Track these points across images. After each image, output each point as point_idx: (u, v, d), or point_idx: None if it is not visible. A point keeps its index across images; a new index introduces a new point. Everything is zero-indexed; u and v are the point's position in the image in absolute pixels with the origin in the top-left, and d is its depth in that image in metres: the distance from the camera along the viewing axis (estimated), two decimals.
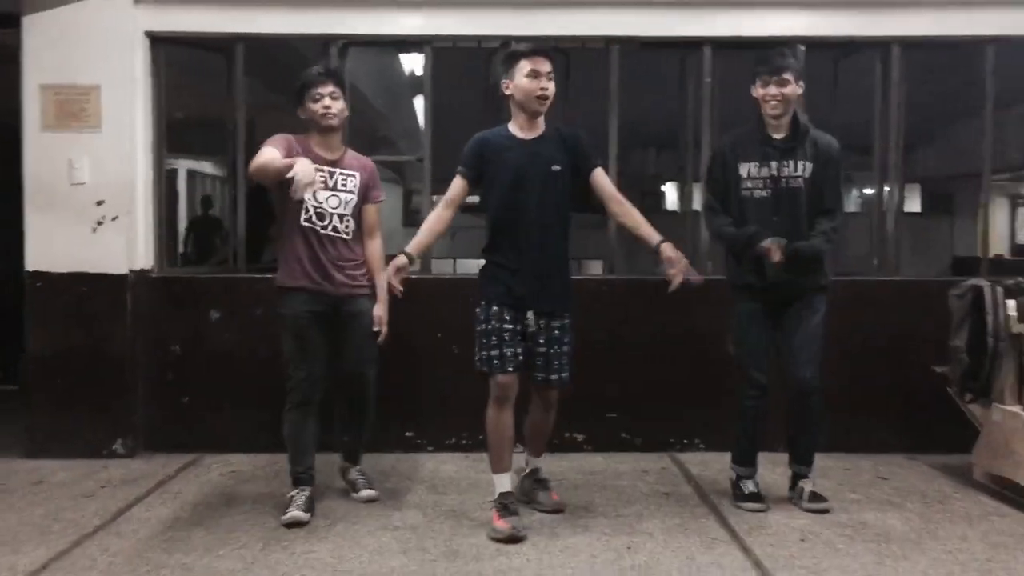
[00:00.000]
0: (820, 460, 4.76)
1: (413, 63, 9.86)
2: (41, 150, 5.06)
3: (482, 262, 4.16)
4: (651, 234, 4.03)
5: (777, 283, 4.18)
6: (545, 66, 3.99)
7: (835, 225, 4.22)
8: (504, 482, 4.04)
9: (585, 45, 5.58)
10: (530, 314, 4.00)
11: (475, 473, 4.78)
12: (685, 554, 3.70)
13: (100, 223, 5.07)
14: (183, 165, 12.68)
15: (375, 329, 4.26)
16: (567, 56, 5.72)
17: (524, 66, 3.98)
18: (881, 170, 5.55)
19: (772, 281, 4.17)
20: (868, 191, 6.12)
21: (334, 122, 4.18)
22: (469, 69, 6.47)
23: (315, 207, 4.14)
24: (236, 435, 5.14)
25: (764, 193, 4.23)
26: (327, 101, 4.16)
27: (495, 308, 4.00)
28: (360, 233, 4.30)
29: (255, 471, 4.85)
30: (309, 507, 4.11)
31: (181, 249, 11.84)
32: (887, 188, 5.54)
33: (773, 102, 4.18)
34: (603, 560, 3.63)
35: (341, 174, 4.23)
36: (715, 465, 4.95)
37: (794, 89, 4.19)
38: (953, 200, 19.40)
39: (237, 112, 5.39)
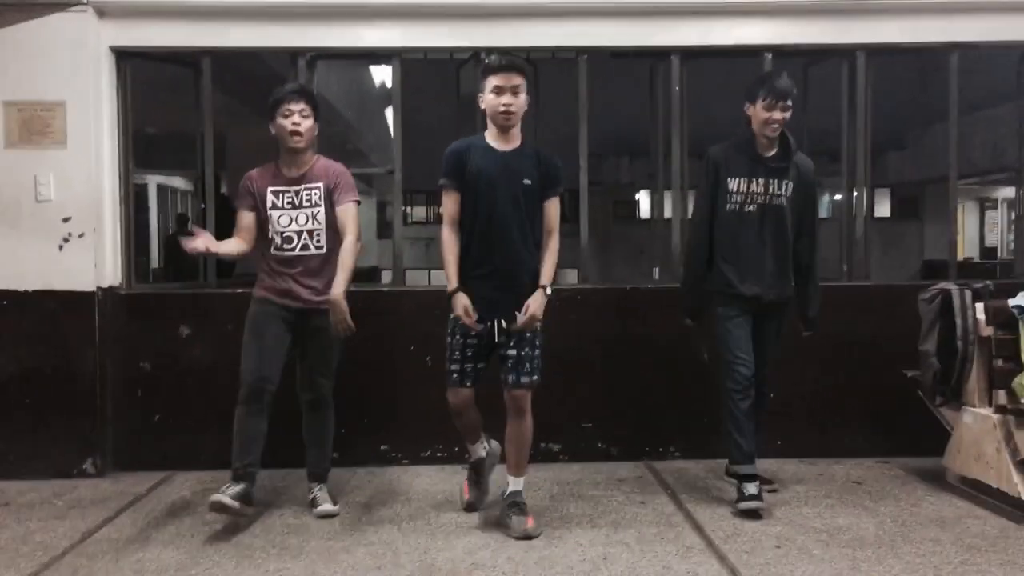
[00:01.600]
0: (794, 466, 4.77)
1: (384, 75, 9.84)
2: (6, 167, 4.98)
3: None
4: (543, 275, 4.07)
5: (760, 296, 4.34)
6: (512, 80, 4.00)
7: (815, 263, 4.49)
8: (478, 451, 4.38)
9: (556, 56, 5.59)
10: (500, 322, 4.03)
11: (450, 486, 4.74)
12: (662, 563, 3.69)
13: (67, 240, 5.00)
14: (153, 180, 12.57)
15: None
16: (535, 67, 5.72)
17: (491, 81, 4.02)
18: (850, 176, 5.58)
19: (757, 295, 4.35)
20: (838, 197, 6.13)
21: (300, 144, 4.23)
22: (440, 80, 6.46)
23: (280, 233, 4.23)
24: (207, 452, 5.05)
25: (750, 208, 4.35)
26: (296, 119, 4.20)
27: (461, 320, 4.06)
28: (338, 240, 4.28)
29: None
30: (239, 497, 4.04)
31: (156, 265, 11.73)
32: (856, 193, 5.57)
33: (775, 125, 4.31)
34: (579, 572, 3.62)
35: (305, 189, 4.27)
36: (690, 473, 4.96)
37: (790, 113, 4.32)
38: (923, 204, 19.63)
39: (205, 126, 5.34)
